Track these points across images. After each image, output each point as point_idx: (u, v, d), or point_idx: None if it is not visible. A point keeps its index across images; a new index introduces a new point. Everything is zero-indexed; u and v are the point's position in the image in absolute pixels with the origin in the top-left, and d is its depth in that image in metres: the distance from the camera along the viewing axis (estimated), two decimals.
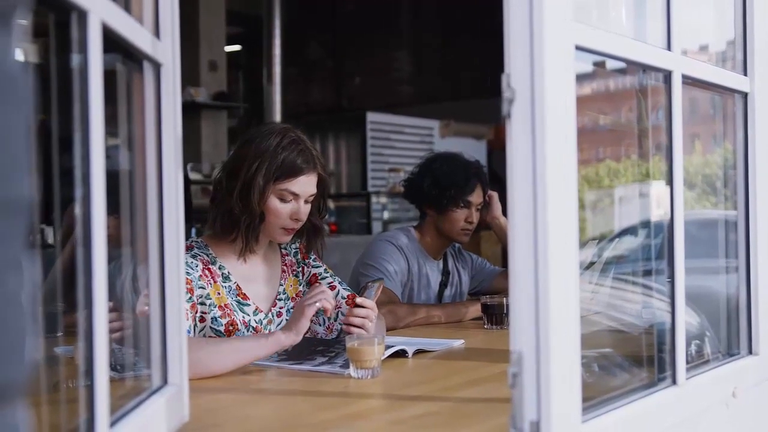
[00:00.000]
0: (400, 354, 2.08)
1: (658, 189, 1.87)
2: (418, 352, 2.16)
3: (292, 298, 2.33)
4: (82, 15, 1.00)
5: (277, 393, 1.76)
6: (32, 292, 0.53)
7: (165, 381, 1.37)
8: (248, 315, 2.20)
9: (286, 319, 2.26)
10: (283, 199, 2.17)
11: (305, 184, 2.18)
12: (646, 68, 1.56)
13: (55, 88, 1.05)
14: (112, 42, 1.11)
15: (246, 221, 2.16)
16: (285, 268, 2.36)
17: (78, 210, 1.01)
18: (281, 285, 2.32)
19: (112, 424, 1.09)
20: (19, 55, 0.54)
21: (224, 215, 2.18)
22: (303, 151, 2.17)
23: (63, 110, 1.04)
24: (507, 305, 2.62)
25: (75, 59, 1.02)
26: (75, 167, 1.02)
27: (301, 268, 2.38)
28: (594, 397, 1.32)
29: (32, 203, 0.54)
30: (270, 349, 1.95)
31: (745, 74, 1.80)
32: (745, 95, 1.80)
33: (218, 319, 2.14)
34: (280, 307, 2.30)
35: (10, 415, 0.51)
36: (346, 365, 1.89)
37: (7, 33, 0.52)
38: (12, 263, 0.51)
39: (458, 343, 2.33)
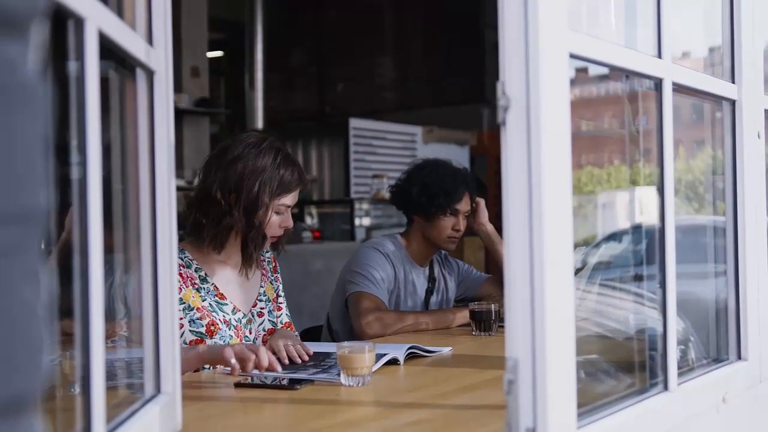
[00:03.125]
0: (392, 362, 2.08)
1: (642, 195, 1.88)
2: (411, 356, 2.16)
3: (272, 300, 2.41)
4: (79, 22, 0.99)
5: (270, 401, 1.75)
6: (47, 303, 0.53)
7: (158, 390, 1.36)
8: (227, 314, 2.25)
9: (269, 320, 2.37)
10: (278, 213, 2.27)
11: (296, 196, 2.31)
12: (637, 76, 1.57)
13: (51, 95, 1.04)
14: (106, 49, 1.10)
15: (254, 239, 2.23)
16: (264, 271, 2.44)
17: (75, 218, 1.01)
18: (261, 287, 2.40)
19: None
20: (35, 64, 0.54)
21: (224, 231, 2.23)
22: (296, 166, 2.29)
23: (58, 117, 1.03)
24: (495, 312, 2.63)
25: (71, 66, 1.01)
26: (69, 174, 1.01)
27: (275, 277, 2.48)
28: (588, 404, 1.33)
29: (46, 213, 0.54)
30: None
31: (733, 82, 1.81)
32: (732, 102, 1.82)
33: (197, 321, 2.19)
34: (261, 308, 2.37)
35: (28, 425, 0.51)
36: (327, 374, 1.89)
37: (24, 43, 0.52)
38: (29, 273, 0.51)
39: (447, 350, 2.33)
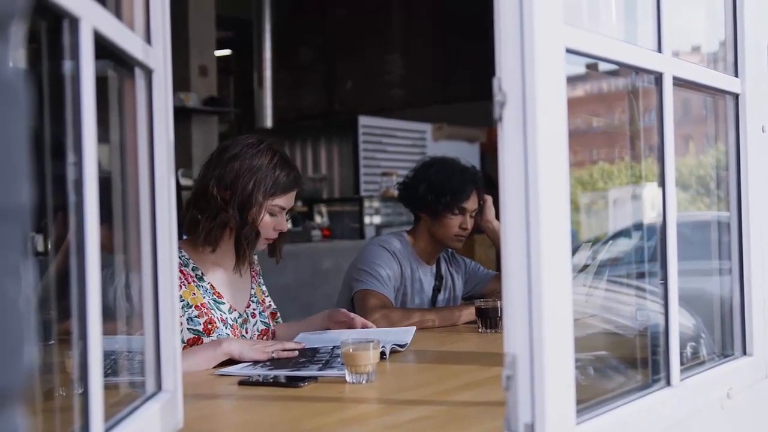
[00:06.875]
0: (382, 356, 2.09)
1: (651, 191, 1.88)
2: (394, 351, 2.20)
3: (261, 302, 2.45)
4: (74, 22, 0.99)
5: (272, 399, 1.75)
6: (29, 299, 0.53)
7: (159, 387, 1.37)
8: (224, 313, 2.29)
9: (261, 321, 2.41)
10: (272, 214, 2.30)
11: (292, 199, 2.34)
12: (636, 70, 1.56)
13: (46, 94, 1.05)
14: (103, 48, 1.11)
15: (246, 236, 2.26)
16: (254, 274, 2.48)
17: (71, 217, 1.01)
18: (252, 288, 2.44)
19: (107, 430, 1.09)
20: (15, 62, 0.54)
21: (219, 227, 2.26)
22: (292, 169, 2.33)
23: (54, 116, 1.03)
24: (501, 308, 2.62)
25: (66, 65, 1.02)
26: (67, 174, 1.02)
27: (261, 280, 2.52)
28: (588, 399, 1.32)
29: (30, 210, 0.55)
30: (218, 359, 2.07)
31: (736, 75, 1.80)
32: (736, 96, 1.80)
33: (195, 318, 2.21)
34: (253, 309, 2.41)
35: (9, 420, 0.51)
36: (342, 368, 1.88)
37: (4, 40, 0.52)
38: (11, 269, 0.51)
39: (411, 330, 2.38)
